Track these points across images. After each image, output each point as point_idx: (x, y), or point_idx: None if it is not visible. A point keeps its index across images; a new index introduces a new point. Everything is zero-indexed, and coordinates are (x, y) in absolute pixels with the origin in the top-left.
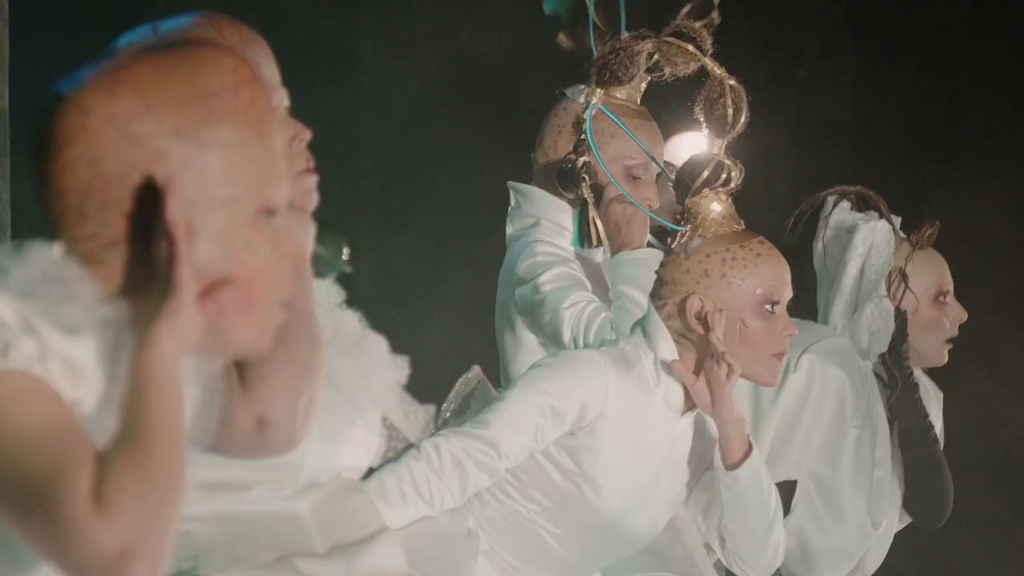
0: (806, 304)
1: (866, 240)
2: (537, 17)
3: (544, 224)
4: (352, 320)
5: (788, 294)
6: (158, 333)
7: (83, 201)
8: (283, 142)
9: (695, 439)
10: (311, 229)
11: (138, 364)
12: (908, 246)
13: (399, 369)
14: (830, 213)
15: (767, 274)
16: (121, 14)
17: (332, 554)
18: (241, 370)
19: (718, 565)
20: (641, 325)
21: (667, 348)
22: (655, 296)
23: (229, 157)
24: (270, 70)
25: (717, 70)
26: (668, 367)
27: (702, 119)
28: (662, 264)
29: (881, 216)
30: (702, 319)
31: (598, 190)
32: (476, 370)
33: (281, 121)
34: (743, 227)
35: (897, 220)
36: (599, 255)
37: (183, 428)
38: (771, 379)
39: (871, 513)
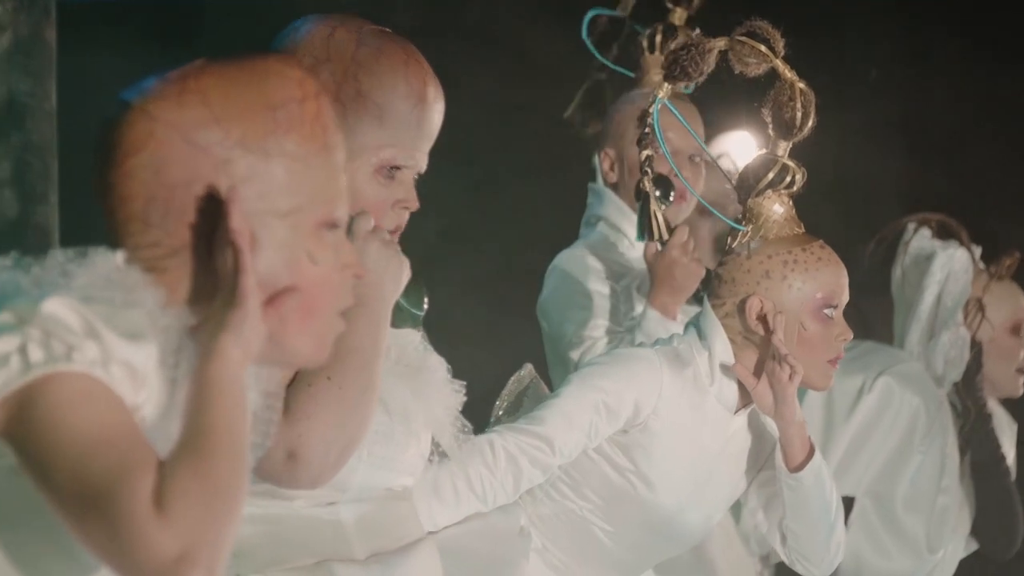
0: (884, 329)
1: (944, 268)
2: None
3: (602, 226)
4: (415, 341)
5: (846, 299)
6: (224, 342)
7: (147, 208)
8: (368, 173)
9: (750, 437)
10: (407, 276)
11: (203, 373)
12: (987, 276)
13: (456, 394)
14: (910, 239)
15: (827, 278)
16: (166, 19)
17: (370, 561)
18: (288, 400)
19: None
20: (695, 324)
21: (722, 348)
22: (712, 295)
23: (293, 169)
24: (427, 128)
25: (788, 73)
26: (724, 366)
27: (769, 120)
28: (721, 263)
29: (961, 245)
30: (762, 320)
31: (662, 183)
32: (529, 368)
33: (398, 182)
34: (803, 230)
35: (977, 250)
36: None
37: (245, 437)
38: (824, 383)
39: (928, 539)
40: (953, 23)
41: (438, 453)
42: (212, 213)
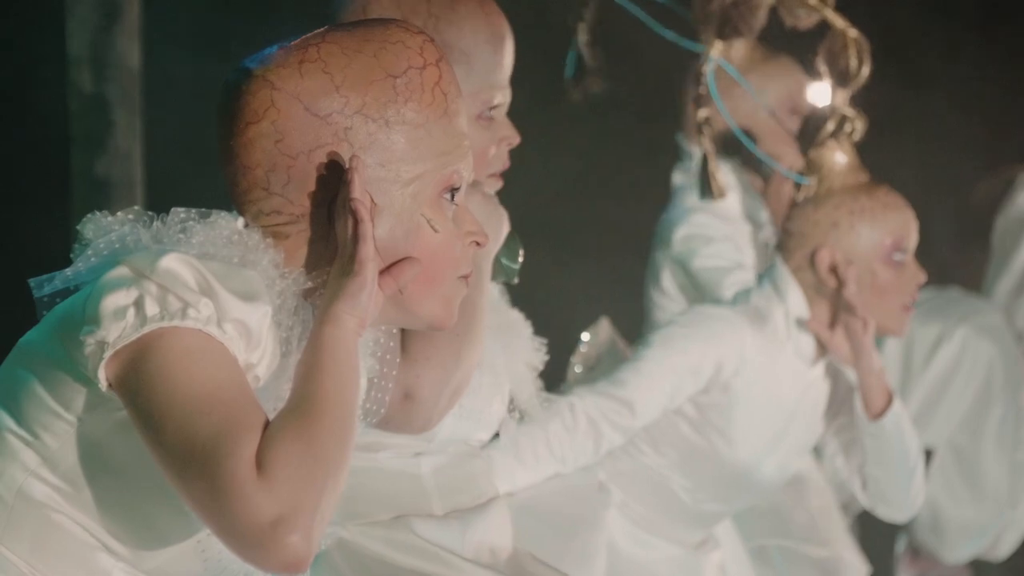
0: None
1: None
2: None
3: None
4: (497, 296)
5: (915, 241)
6: (340, 310)
7: (268, 176)
8: (470, 120)
9: (827, 385)
10: (506, 228)
11: (318, 339)
12: None
13: (537, 353)
14: (1019, 192)
15: (895, 223)
16: None
17: (449, 518)
18: (406, 343)
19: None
20: (769, 278)
21: (797, 302)
22: (782, 248)
23: (414, 136)
24: (508, 63)
25: (839, 22)
26: (799, 320)
27: (825, 70)
28: (788, 217)
29: None
30: (833, 271)
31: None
32: (604, 323)
33: (498, 121)
34: (868, 177)
35: None
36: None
37: (355, 406)
38: (899, 330)
39: (1011, 492)
40: None
41: (515, 407)
42: (333, 181)
